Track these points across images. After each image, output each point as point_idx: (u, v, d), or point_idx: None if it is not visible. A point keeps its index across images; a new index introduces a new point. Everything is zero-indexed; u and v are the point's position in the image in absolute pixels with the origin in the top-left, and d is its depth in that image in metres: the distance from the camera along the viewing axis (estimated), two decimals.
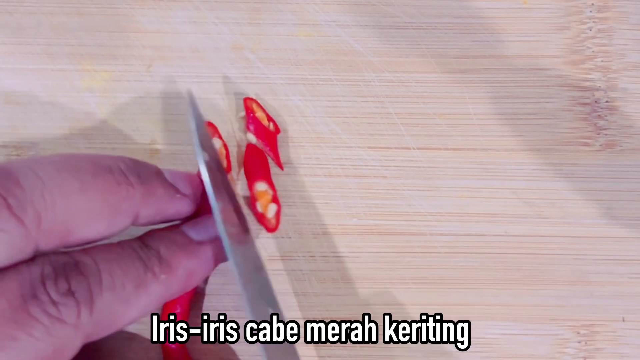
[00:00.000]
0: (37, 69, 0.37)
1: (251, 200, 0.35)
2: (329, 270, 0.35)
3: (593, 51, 0.37)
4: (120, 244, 0.30)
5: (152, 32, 0.37)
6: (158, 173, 0.31)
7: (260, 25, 0.38)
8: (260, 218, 0.35)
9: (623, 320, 0.35)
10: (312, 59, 0.37)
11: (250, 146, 0.36)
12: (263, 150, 0.36)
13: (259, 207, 0.35)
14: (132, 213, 0.30)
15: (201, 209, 0.33)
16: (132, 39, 0.37)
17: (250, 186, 0.35)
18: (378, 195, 0.36)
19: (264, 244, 0.36)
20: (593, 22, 0.38)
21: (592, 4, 0.38)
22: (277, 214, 0.35)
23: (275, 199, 0.35)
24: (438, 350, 0.35)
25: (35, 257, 0.27)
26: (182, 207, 0.32)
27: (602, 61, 0.37)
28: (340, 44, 0.37)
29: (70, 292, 0.27)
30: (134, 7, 0.38)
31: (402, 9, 0.38)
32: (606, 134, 0.37)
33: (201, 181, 0.32)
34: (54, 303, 0.26)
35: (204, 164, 0.31)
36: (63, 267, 0.27)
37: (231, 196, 0.34)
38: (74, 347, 0.27)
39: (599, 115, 0.37)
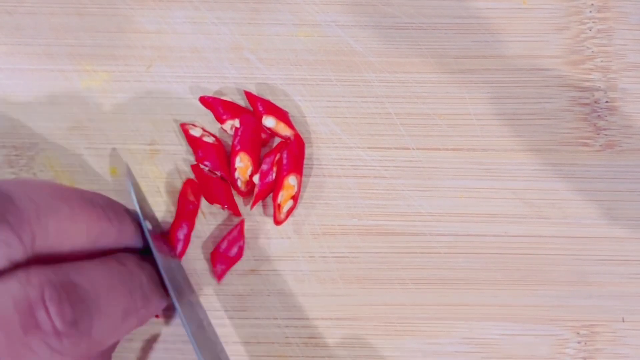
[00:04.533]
0: (37, 69, 0.37)
1: (276, 188, 0.35)
2: (328, 270, 0.35)
3: (593, 51, 0.37)
4: (106, 265, 0.29)
5: (152, 32, 0.37)
6: (128, 212, 0.32)
7: (259, 25, 0.38)
8: (276, 208, 0.35)
9: (623, 321, 0.35)
10: (312, 60, 0.37)
11: (297, 138, 0.36)
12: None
13: (280, 197, 0.35)
14: (106, 248, 0.30)
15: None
16: (131, 39, 0.37)
17: (284, 176, 0.35)
18: (378, 195, 0.36)
19: (265, 244, 0.36)
20: (593, 22, 0.38)
21: (592, 4, 0.38)
22: (290, 211, 0.35)
23: (295, 197, 0.35)
24: (438, 350, 0.35)
25: (28, 274, 0.26)
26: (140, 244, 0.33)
27: (602, 61, 0.37)
28: (340, 45, 0.37)
29: (74, 322, 0.26)
30: (134, 8, 0.38)
31: (402, 9, 0.38)
32: (606, 135, 0.37)
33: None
34: (57, 334, 0.25)
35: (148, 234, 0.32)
36: (65, 289, 0.26)
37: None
38: None
39: (599, 116, 0.37)
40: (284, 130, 0.36)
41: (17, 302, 0.25)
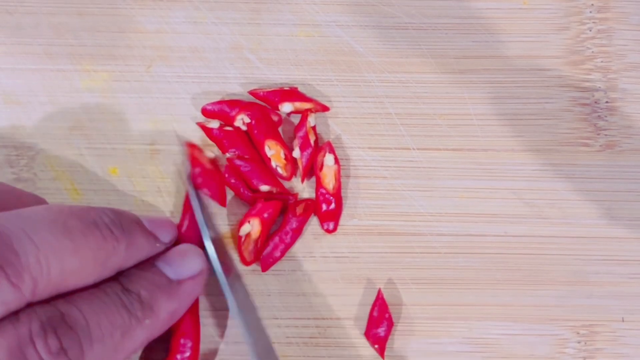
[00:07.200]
0: (37, 69, 0.37)
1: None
2: (329, 270, 0.35)
3: (593, 52, 0.37)
4: (102, 289, 0.29)
5: (152, 32, 0.37)
6: (138, 223, 0.31)
7: (260, 25, 0.38)
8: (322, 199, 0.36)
9: (623, 321, 0.35)
10: (312, 60, 0.37)
11: (320, 105, 0.36)
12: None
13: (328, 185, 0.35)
14: (117, 268, 0.30)
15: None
16: (132, 39, 0.37)
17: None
18: (378, 195, 0.36)
19: None
20: (593, 22, 0.38)
21: (592, 5, 0.38)
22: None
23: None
24: (438, 350, 0.35)
25: (18, 315, 0.26)
26: (159, 252, 0.32)
27: (602, 62, 0.37)
28: (340, 45, 0.37)
29: (62, 351, 0.26)
30: (134, 8, 0.38)
31: (403, 9, 0.38)
32: (606, 135, 0.37)
33: (178, 226, 0.34)
34: None
35: (209, 242, 0.33)
36: (51, 323, 0.27)
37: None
38: None
39: (599, 116, 0.37)
40: (303, 105, 0.36)
41: (9, 346, 0.25)
